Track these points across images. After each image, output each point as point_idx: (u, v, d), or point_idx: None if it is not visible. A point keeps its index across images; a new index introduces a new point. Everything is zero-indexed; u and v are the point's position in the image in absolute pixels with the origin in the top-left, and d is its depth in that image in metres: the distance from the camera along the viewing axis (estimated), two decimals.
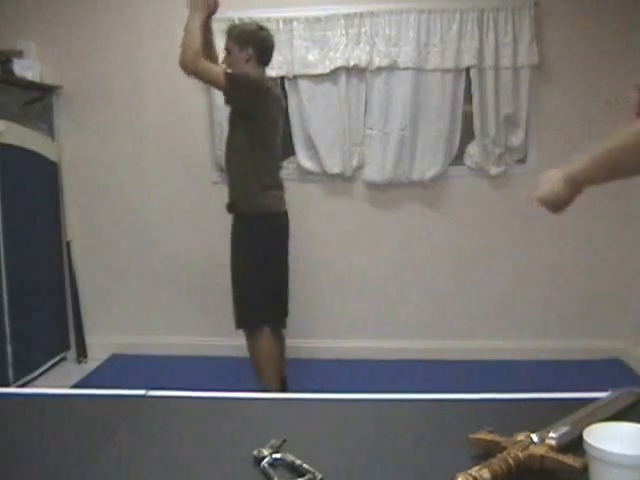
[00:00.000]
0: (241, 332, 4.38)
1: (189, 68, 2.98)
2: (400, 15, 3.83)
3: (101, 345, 4.28)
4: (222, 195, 4.16)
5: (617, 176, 1.48)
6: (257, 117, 3.04)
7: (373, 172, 4.00)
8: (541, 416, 1.06)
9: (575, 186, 1.47)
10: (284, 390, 3.19)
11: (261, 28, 3.19)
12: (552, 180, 1.50)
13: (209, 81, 3.11)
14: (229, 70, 3.06)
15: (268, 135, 3.12)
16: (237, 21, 3.87)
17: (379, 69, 3.87)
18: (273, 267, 3.16)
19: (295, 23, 3.87)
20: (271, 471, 0.98)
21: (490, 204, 4.05)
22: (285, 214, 3.19)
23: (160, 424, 1.21)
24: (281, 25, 3.88)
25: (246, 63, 3.08)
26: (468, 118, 3.96)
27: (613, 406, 1.14)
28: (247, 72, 3.08)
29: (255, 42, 3.09)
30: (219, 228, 4.20)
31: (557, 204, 1.50)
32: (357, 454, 1.06)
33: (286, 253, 3.22)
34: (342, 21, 3.85)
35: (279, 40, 3.89)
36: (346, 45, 3.86)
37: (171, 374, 3.84)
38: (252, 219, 3.13)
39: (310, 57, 3.89)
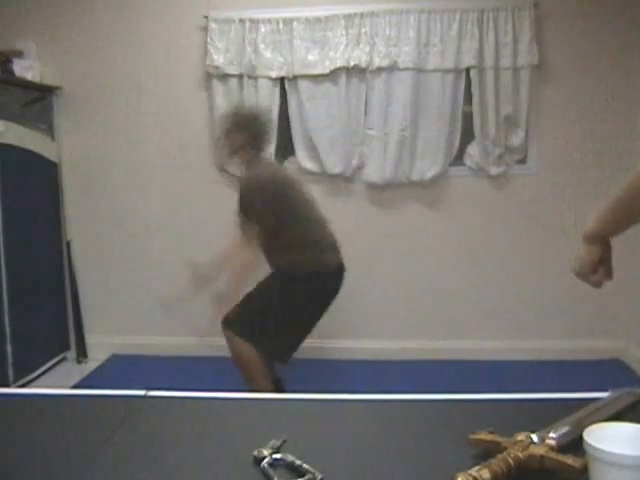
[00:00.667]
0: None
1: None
2: (400, 15, 3.83)
3: (101, 345, 4.28)
4: (222, 195, 4.18)
5: (636, 219, 1.44)
6: (283, 213, 3.07)
7: (373, 172, 4.00)
8: (541, 416, 1.07)
9: (597, 242, 1.45)
10: (279, 391, 3.17)
11: (258, 115, 3.22)
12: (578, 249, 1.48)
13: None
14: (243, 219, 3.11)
15: (298, 214, 3.13)
16: (237, 21, 3.89)
17: (379, 69, 3.87)
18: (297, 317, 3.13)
19: (295, 23, 3.87)
20: (271, 471, 0.98)
21: (490, 204, 4.05)
22: (325, 274, 3.14)
23: (160, 424, 1.21)
24: (281, 25, 3.88)
25: (241, 148, 3.12)
26: (468, 118, 3.95)
27: (613, 406, 1.14)
28: (241, 155, 3.13)
29: (250, 128, 3.11)
30: (219, 228, 4.21)
31: (588, 267, 1.47)
32: (357, 454, 1.06)
33: (317, 310, 3.17)
34: (342, 21, 3.85)
35: (279, 40, 3.90)
36: (346, 45, 3.86)
37: (171, 374, 3.84)
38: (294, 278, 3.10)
39: (310, 57, 3.89)
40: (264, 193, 3.04)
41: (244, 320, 3.12)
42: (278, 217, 3.05)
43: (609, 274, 1.46)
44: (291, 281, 3.08)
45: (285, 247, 3.10)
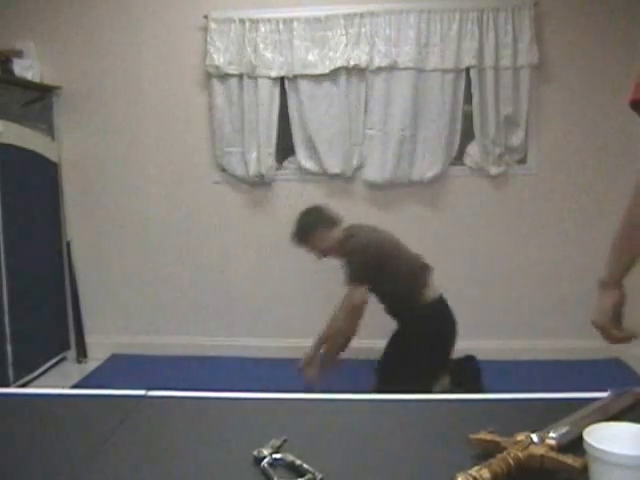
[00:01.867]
0: (239, 332, 4.40)
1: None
2: (400, 15, 3.83)
3: (101, 345, 4.28)
4: (222, 195, 4.19)
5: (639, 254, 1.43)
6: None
7: (373, 172, 4.00)
8: (541, 416, 1.06)
9: (611, 287, 1.47)
10: None
11: (308, 212, 3.23)
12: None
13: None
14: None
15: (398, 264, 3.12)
16: (237, 21, 3.88)
17: (379, 69, 3.87)
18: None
19: (295, 23, 3.87)
20: (271, 471, 0.98)
21: (490, 204, 4.05)
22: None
23: (160, 424, 1.21)
24: (281, 25, 3.88)
25: (329, 241, 3.13)
26: (468, 118, 3.95)
27: (613, 406, 1.14)
28: (331, 246, 3.13)
29: (315, 223, 3.15)
30: (219, 228, 4.22)
31: (605, 315, 1.47)
32: (357, 454, 1.06)
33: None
34: (342, 21, 3.85)
35: (279, 40, 3.90)
36: (346, 45, 3.86)
37: (171, 374, 3.84)
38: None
39: (310, 57, 3.89)
40: (366, 255, 3.04)
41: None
42: (385, 272, 3.05)
43: (618, 323, 1.45)
44: (424, 322, 3.05)
45: (403, 296, 3.09)
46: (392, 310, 3.17)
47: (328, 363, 3.11)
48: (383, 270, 3.03)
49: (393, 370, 3.10)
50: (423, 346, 3.00)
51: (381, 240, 3.13)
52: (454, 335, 3.10)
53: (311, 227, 3.16)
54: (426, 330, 3.03)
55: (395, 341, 3.15)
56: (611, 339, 1.49)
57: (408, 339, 3.09)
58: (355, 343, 3.22)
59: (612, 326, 1.47)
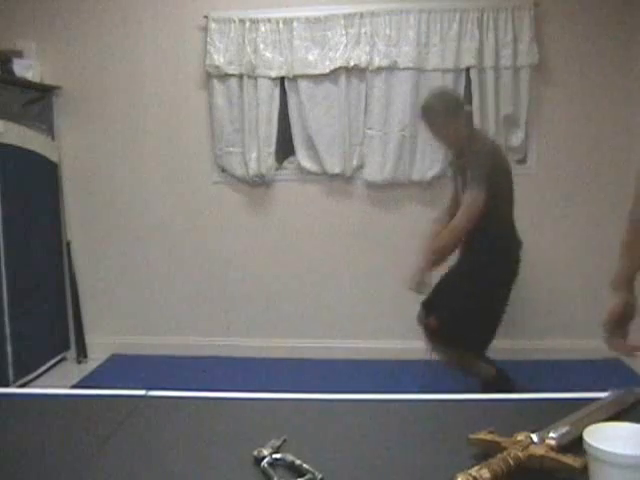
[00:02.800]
0: (239, 333, 4.40)
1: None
2: (400, 15, 3.83)
3: (101, 345, 4.28)
4: (222, 195, 4.18)
5: None
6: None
7: (373, 172, 4.00)
8: (541, 416, 1.07)
9: (619, 286, 1.47)
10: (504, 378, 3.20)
11: (448, 92, 3.21)
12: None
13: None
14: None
15: (509, 194, 3.15)
16: (237, 21, 3.88)
17: (379, 69, 3.87)
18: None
19: (295, 23, 3.87)
20: (271, 471, 0.98)
21: None
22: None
23: (160, 424, 1.21)
24: (281, 25, 3.88)
25: (460, 129, 3.03)
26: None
27: (613, 406, 1.14)
28: (465, 137, 3.03)
29: (454, 105, 3.06)
30: (219, 228, 4.22)
31: (614, 316, 1.47)
32: (357, 454, 1.06)
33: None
34: (342, 21, 3.85)
35: (279, 40, 3.90)
36: (346, 45, 3.86)
37: (171, 374, 3.84)
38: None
39: (310, 57, 3.89)
40: (495, 159, 3.01)
41: (454, 333, 3.07)
42: (499, 190, 3.02)
43: (622, 331, 1.45)
44: (486, 265, 3.06)
45: (493, 225, 3.02)
46: (479, 232, 3.03)
47: (437, 263, 3.09)
48: (500, 182, 3.02)
49: (461, 300, 3.08)
50: (494, 277, 3.08)
51: (506, 161, 3.12)
52: (515, 279, 3.19)
53: (452, 111, 3.02)
54: (502, 262, 3.09)
55: (464, 272, 3.12)
56: (611, 346, 1.48)
57: (483, 268, 3.06)
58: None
59: (614, 332, 1.46)
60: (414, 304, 4.14)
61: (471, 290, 3.07)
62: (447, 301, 3.13)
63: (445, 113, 3.02)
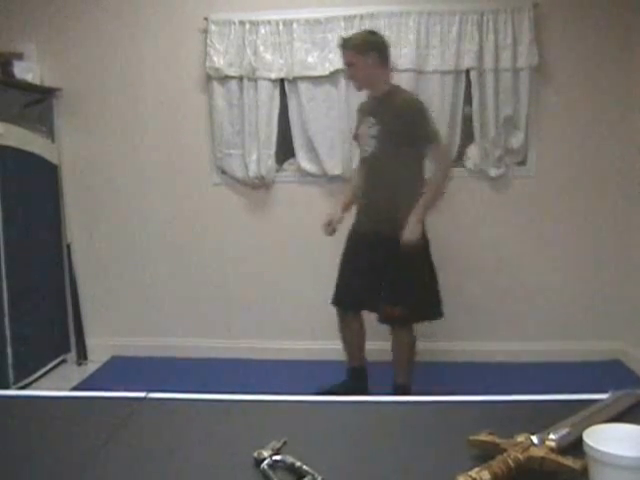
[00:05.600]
0: (239, 334, 4.40)
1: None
2: (400, 17, 3.83)
3: (101, 347, 4.28)
4: (222, 197, 4.18)
5: None
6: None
7: None
8: (541, 418, 1.07)
9: None
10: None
11: (372, 33, 3.21)
12: None
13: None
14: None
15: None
16: (237, 23, 3.89)
17: None
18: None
19: (295, 25, 3.87)
20: (271, 473, 0.98)
21: (490, 206, 4.05)
22: None
23: (160, 426, 1.21)
24: (281, 27, 3.88)
25: (372, 69, 3.09)
26: (468, 120, 3.96)
27: (613, 408, 1.14)
28: (376, 78, 3.11)
29: (375, 46, 3.11)
30: (219, 230, 4.22)
31: None
32: (357, 456, 1.06)
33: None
34: (342, 23, 3.85)
35: (279, 42, 3.91)
36: None
37: (171, 376, 3.84)
38: None
39: (310, 59, 3.89)
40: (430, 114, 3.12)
41: (412, 303, 3.17)
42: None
43: None
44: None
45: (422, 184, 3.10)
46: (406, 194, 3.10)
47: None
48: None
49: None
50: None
51: None
52: None
53: (372, 45, 3.08)
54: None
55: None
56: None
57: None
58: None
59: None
60: None
61: (420, 260, 3.17)
62: (404, 283, 3.18)
63: (355, 47, 3.08)
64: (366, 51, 3.06)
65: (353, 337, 3.41)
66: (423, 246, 3.15)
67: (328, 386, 3.36)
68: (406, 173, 3.10)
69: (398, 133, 3.04)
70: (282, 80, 3.96)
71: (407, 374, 3.27)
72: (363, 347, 3.44)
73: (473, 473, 0.87)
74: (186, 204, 4.21)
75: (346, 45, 3.12)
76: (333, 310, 3.43)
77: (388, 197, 3.14)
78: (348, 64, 3.14)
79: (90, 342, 4.31)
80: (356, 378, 3.42)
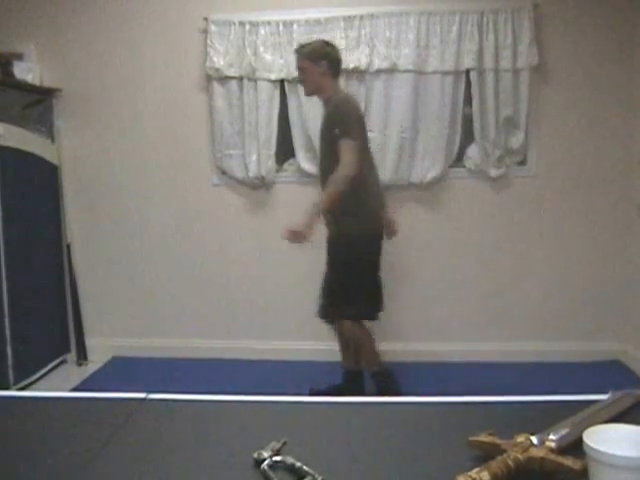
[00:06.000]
0: (239, 335, 4.40)
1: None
2: (400, 17, 3.83)
3: (101, 348, 4.28)
4: (221, 197, 4.19)
5: None
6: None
7: None
8: (541, 418, 1.07)
9: None
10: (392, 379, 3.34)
11: (327, 44, 3.30)
12: None
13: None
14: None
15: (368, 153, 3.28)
16: (237, 24, 3.89)
17: (379, 71, 3.87)
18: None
19: (295, 25, 3.87)
20: (271, 473, 0.98)
21: (490, 206, 4.05)
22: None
23: (160, 427, 1.21)
24: (281, 27, 3.88)
25: (321, 77, 3.20)
26: (468, 120, 3.96)
27: (613, 408, 1.14)
28: (323, 86, 3.21)
29: (326, 56, 3.21)
30: (219, 230, 4.22)
31: None
32: (357, 456, 1.06)
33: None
34: (342, 23, 3.85)
35: (279, 42, 3.90)
36: (346, 47, 3.85)
37: (171, 377, 3.84)
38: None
39: None
40: (357, 114, 3.20)
41: (337, 301, 3.26)
42: (363, 147, 3.18)
43: None
44: (353, 241, 3.18)
45: (359, 191, 3.12)
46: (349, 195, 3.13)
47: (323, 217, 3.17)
48: (362, 135, 3.17)
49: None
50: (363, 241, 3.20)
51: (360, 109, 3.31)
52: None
53: (321, 55, 3.20)
54: (369, 226, 3.21)
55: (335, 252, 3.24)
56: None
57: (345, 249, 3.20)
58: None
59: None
60: (416, 304, 4.15)
61: (340, 261, 3.22)
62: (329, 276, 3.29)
63: (308, 54, 3.20)
64: (318, 59, 3.18)
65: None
66: (345, 249, 3.20)
67: (324, 387, 3.38)
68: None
69: (327, 133, 3.16)
70: (282, 80, 3.96)
71: (356, 362, 3.39)
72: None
73: (473, 473, 0.87)
74: (186, 204, 4.21)
75: (301, 51, 3.25)
76: None
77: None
78: (300, 68, 3.26)
79: (90, 342, 4.31)
80: (354, 381, 3.43)
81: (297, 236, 3.04)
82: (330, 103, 3.20)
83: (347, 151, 3.04)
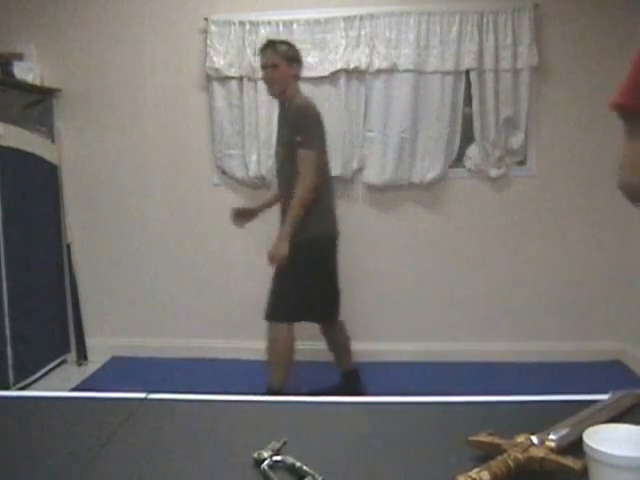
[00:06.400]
0: (239, 335, 4.39)
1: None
2: (400, 17, 3.83)
3: (101, 347, 4.28)
4: (221, 197, 4.18)
5: None
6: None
7: (373, 174, 4.00)
8: (541, 418, 1.06)
9: None
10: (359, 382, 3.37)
11: (295, 46, 3.27)
12: None
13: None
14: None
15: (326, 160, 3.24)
16: (237, 24, 3.89)
17: (379, 71, 3.87)
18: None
19: (295, 25, 3.88)
20: (271, 473, 0.97)
21: (490, 206, 4.05)
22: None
23: (160, 427, 1.21)
24: (281, 27, 3.89)
25: (292, 80, 3.16)
26: (468, 120, 3.96)
27: (613, 408, 1.14)
28: (290, 88, 3.17)
29: (299, 59, 3.20)
30: (219, 230, 4.22)
31: None
32: (357, 456, 1.06)
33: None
34: (342, 23, 3.86)
35: None
36: (346, 47, 3.86)
37: (171, 376, 3.84)
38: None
39: (310, 59, 3.88)
40: (318, 119, 3.13)
41: (285, 304, 3.27)
42: (322, 154, 3.15)
43: None
44: (311, 243, 3.17)
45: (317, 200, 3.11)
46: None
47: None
48: (321, 141, 3.13)
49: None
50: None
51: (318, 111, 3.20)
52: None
53: (296, 57, 3.19)
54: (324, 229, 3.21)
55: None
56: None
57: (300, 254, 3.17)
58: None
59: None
60: (417, 304, 4.15)
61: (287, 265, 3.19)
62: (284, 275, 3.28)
63: (285, 53, 3.15)
64: (292, 60, 3.16)
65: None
66: (294, 256, 3.15)
67: (323, 387, 3.38)
68: (295, 178, 3.08)
69: (288, 138, 3.10)
70: None
71: (275, 374, 3.24)
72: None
73: (473, 473, 0.87)
74: (186, 204, 4.21)
75: (275, 48, 3.15)
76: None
77: (284, 201, 3.21)
78: (271, 66, 3.15)
79: (90, 342, 4.31)
80: (352, 380, 3.43)
81: (277, 259, 3.11)
82: (292, 106, 3.13)
83: (307, 162, 3.00)
